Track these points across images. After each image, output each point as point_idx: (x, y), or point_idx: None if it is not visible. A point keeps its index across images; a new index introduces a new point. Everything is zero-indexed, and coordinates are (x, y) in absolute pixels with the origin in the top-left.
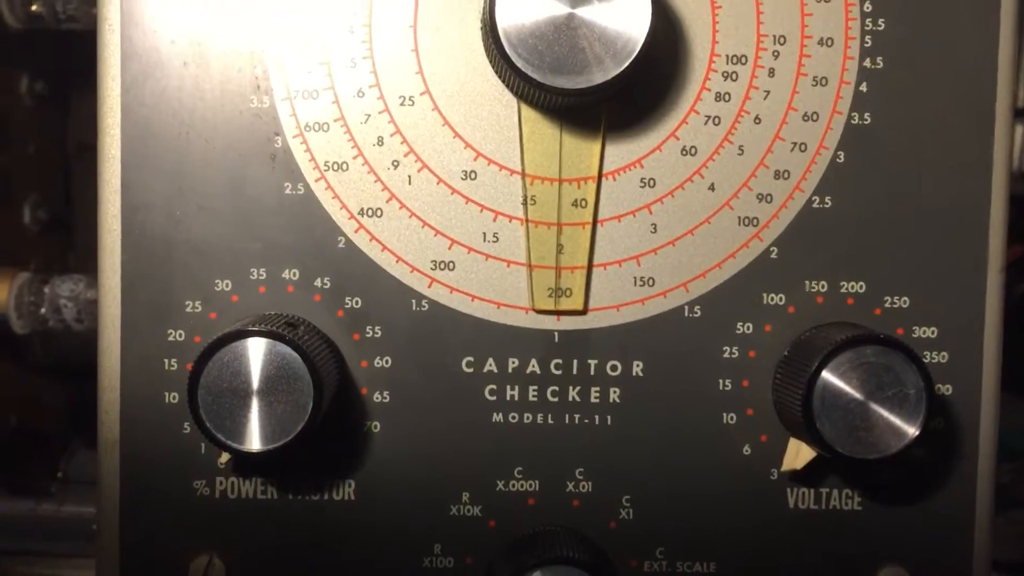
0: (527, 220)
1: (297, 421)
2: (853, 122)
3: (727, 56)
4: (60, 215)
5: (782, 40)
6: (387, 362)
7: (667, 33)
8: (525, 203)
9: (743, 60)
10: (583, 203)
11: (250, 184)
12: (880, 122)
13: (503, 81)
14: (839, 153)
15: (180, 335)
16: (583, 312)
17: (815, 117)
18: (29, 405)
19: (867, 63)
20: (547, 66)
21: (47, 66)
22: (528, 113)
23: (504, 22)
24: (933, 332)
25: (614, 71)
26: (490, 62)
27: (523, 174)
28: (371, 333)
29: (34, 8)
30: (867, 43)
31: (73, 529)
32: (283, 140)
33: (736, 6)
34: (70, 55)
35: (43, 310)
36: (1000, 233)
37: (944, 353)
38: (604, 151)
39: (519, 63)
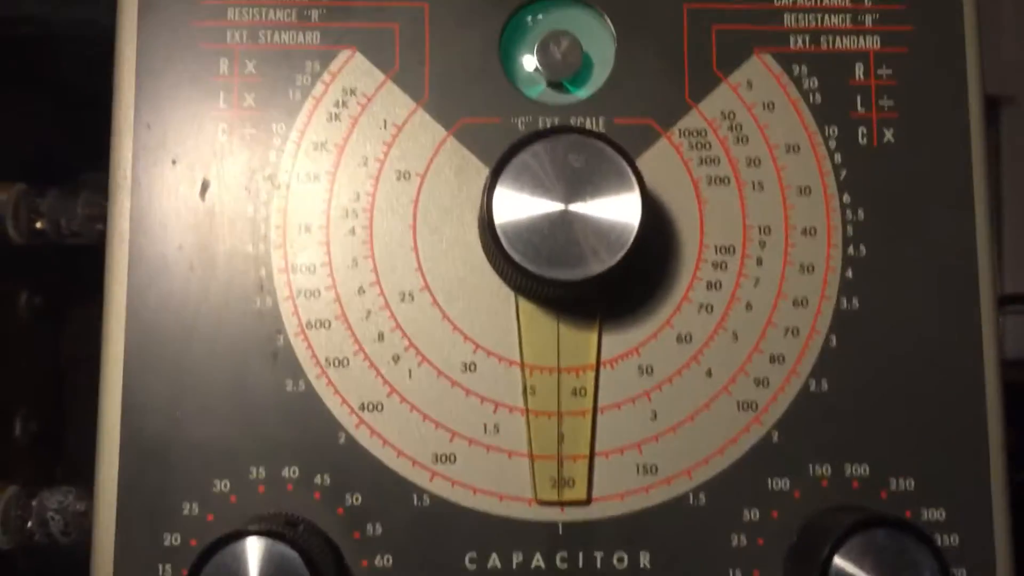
0: (527, 410)
1: None
2: (842, 307)
3: (715, 246)
4: (50, 427)
5: (767, 231)
6: (388, 561)
7: (658, 225)
8: (525, 393)
9: (731, 250)
10: (583, 392)
11: (251, 382)
12: (868, 307)
13: (500, 275)
14: (831, 337)
15: (176, 539)
16: (587, 502)
17: (805, 303)
18: None
19: (851, 251)
20: (544, 260)
21: (45, 279)
22: (526, 305)
23: (501, 219)
24: (942, 514)
25: (609, 262)
26: (487, 257)
27: (522, 365)
28: (372, 531)
29: (38, 225)
30: (849, 232)
31: None
32: (285, 338)
33: (721, 200)
34: (67, 268)
35: (29, 524)
36: (997, 411)
37: (955, 535)
38: (601, 340)
39: (516, 258)
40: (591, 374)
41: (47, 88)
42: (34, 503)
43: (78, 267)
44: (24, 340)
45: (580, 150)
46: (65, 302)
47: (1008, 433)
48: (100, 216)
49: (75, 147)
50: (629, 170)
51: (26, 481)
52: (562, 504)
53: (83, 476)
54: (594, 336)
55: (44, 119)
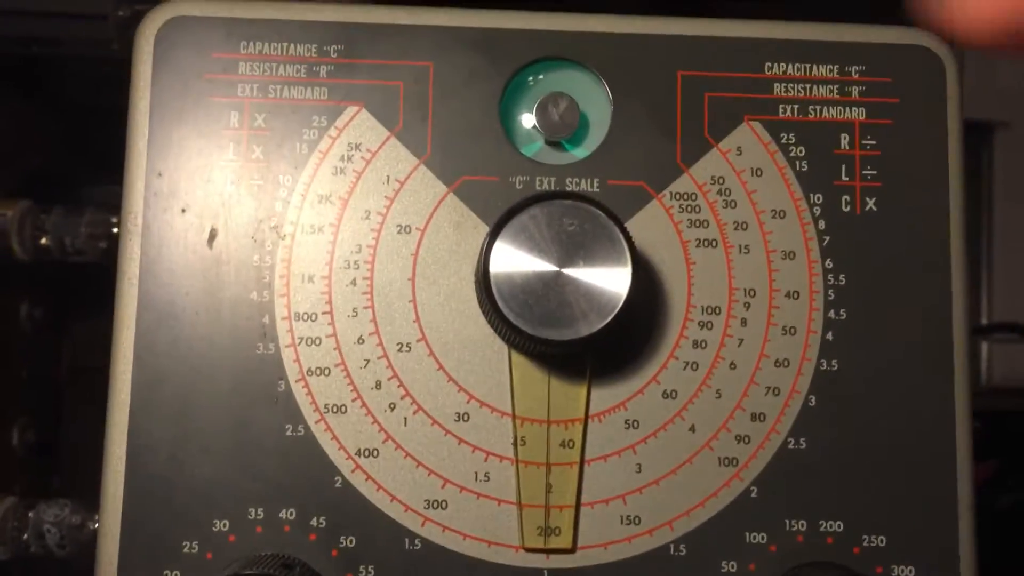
0: (517, 460)
1: None
2: (822, 368)
3: (702, 307)
4: (47, 437)
5: (752, 293)
6: None
7: (647, 287)
8: (515, 444)
9: (717, 311)
10: (571, 444)
11: (252, 426)
12: (846, 368)
13: (495, 330)
14: (810, 397)
15: None
16: (572, 551)
17: (786, 363)
18: None
19: (831, 314)
20: (536, 319)
21: (46, 292)
22: (518, 359)
23: (497, 278)
24: (911, 571)
25: (598, 324)
26: (483, 313)
27: (513, 416)
28: (364, 573)
29: (43, 242)
30: (830, 296)
31: None
32: (286, 384)
33: (709, 262)
34: (69, 281)
35: (26, 535)
36: (967, 473)
37: None
38: (590, 394)
39: (510, 316)
40: (579, 427)
41: (52, 103)
42: (31, 514)
43: (79, 280)
44: (24, 351)
45: (575, 215)
46: (65, 314)
47: (991, 458)
48: (103, 235)
49: (76, 159)
50: (622, 238)
51: (22, 491)
52: (548, 552)
53: (79, 487)
54: (583, 391)
55: (47, 133)
